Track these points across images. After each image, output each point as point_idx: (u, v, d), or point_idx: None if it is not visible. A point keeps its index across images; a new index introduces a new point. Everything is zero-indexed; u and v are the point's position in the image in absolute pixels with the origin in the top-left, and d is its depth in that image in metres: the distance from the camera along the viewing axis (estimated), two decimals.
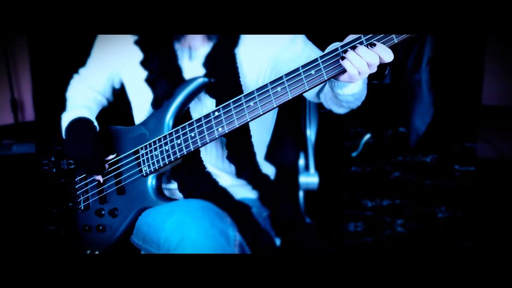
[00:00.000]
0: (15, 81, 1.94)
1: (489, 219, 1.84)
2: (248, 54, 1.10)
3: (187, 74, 1.10)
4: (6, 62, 1.89)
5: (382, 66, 0.97)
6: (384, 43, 0.85)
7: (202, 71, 1.09)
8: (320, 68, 0.89)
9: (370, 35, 0.86)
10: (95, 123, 1.12)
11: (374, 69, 0.88)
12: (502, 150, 1.90)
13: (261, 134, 1.18)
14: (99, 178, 1.12)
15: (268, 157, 1.25)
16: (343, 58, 0.86)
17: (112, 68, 1.19)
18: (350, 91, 0.96)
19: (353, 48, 0.86)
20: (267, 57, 1.12)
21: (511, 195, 1.80)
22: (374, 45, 0.84)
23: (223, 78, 1.06)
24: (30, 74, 1.84)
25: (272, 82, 0.93)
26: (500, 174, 1.88)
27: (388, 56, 0.84)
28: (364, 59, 0.85)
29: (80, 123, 1.10)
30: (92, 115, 1.15)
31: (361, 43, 0.86)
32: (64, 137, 1.11)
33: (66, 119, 1.13)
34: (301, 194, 1.51)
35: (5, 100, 1.93)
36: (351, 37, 0.88)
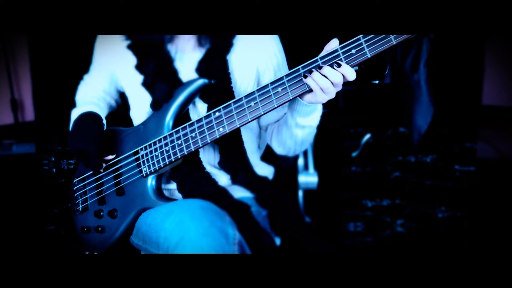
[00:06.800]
0: (15, 81, 1.94)
1: (489, 219, 1.83)
2: (239, 61, 1.10)
3: (183, 76, 1.09)
4: (6, 62, 1.89)
5: (382, 66, 0.97)
6: (382, 44, 0.86)
7: (195, 76, 1.08)
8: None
9: (347, 48, 0.88)
10: (104, 121, 1.12)
11: (339, 88, 0.91)
12: (502, 150, 1.90)
13: (252, 139, 1.18)
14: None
15: (267, 157, 1.24)
16: (305, 76, 0.91)
17: (111, 72, 1.19)
18: (308, 123, 1.02)
19: (319, 68, 0.90)
20: (255, 69, 1.12)
21: (511, 195, 1.80)
22: (340, 65, 0.88)
23: (215, 84, 1.06)
24: (30, 74, 1.84)
25: (273, 83, 0.94)
26: (500, 174, 1.87)
27: (351, 76, 0.88)
28: (330, 79, 0.89)
29: (89, 117, 1.11)
30: (102, 113, 1.16)
31: (336, 56, 0.89)
32: (70, 129, 1.12)
33: (75, 113, 1.14)
34: (300, 193, 1.51)
35: (5, 100, 1.93)
36: (334, 43, 0.90)
